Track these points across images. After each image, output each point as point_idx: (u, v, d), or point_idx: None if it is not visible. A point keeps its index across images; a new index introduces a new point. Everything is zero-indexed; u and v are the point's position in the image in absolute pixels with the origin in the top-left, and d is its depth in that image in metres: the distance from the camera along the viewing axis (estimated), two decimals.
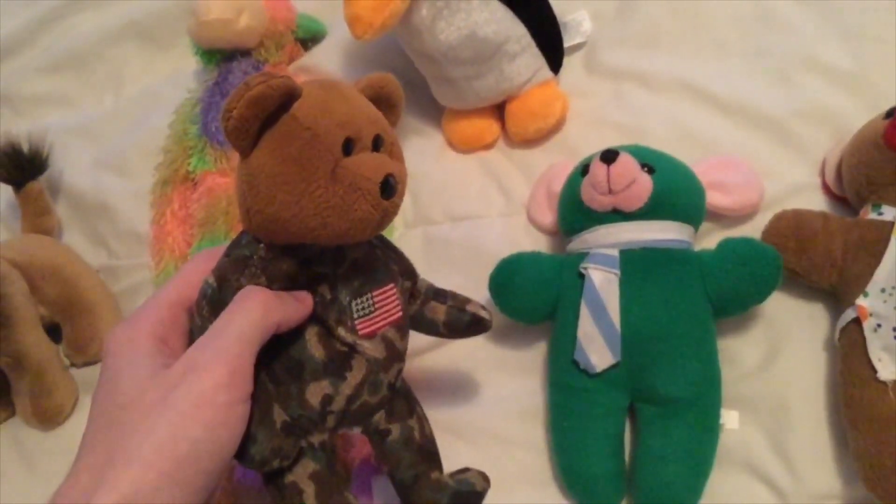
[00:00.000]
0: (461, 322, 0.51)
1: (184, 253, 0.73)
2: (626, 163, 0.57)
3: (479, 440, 0.62)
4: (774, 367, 0.59)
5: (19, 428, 0.73)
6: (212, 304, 0.40)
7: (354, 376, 0.43)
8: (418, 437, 0.48)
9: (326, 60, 0.80)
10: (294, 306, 0.40)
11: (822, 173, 0.63)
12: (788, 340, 0.59)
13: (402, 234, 0.73)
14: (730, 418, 0.57)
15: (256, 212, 0.38)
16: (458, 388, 0.65)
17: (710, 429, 0.55)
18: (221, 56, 0.77)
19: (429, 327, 0.51)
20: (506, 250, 0.63)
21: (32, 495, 0.69)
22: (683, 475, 0.54)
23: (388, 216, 0.40)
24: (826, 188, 0.63)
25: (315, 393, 0.42)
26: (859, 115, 0.61)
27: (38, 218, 0.80)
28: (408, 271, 0.49)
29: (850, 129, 0.60)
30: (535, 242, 0.69)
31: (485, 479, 0.50)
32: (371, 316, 0.43)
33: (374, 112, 0.42)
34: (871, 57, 0.66)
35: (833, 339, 0.56)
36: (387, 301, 0.44)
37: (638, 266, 0.56)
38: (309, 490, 0.41)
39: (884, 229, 0.54)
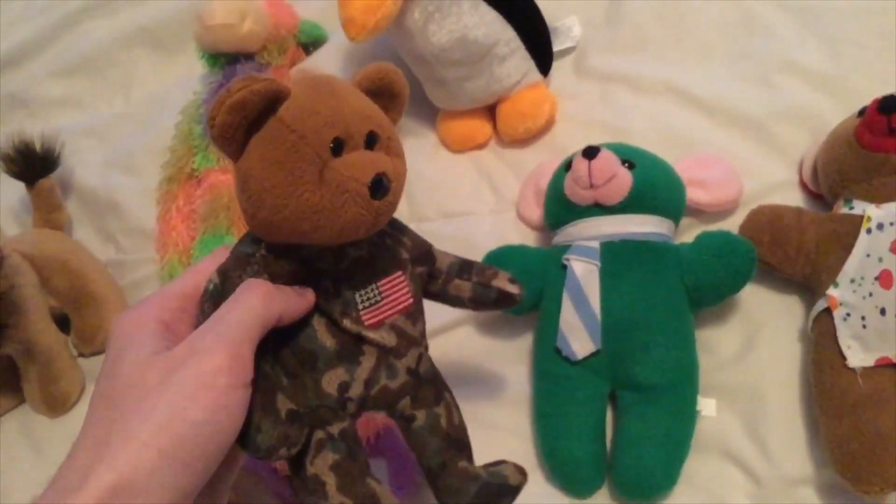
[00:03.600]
0: (487, 298, 0.49)
1: (187, 247, 0.75)
2: (606, 158, 0.59)
3: (467, 426, 0.63)
4: (751, 356, 0.60)
5: (28, 415, 0.76)
6: (213, 299, 0.40)
7: (368, 360, 0.42)
8: (445, 425, 0.47)
9: (326, 64, 0.83)
10: (295, 299, 0.40)
11: (800, 171, 0.65)
12: (764, 331, 0.61)
13: None
14: (707, 406, 0.59)
15: (250, 215, 0.39)
16: (448, 376, 0.65)
17: (687, 414, 0.57)
18: (226, 59, 0.79)
19: (455, 303, 0.50)
20: (495, 245, 0.65)
21: (40, 480, 0.69)
22: (661, 459, 0.55)
23: (381, 215, 0.39)
24: (803, 185, 0.65)
25: (331, 381, 0.41)
26: (836, 115, 0.62)
27: (49, 213, 0.83)
28: (422, 255, 0.47)
29: (827, 130, 0.61)
30: (524, 238, 0.70)
31: (521, 473, 0.48)
32: (378, 306, 0.42)
33: (367, 107, 0.41)
34: (848, 60, 0.69)
35: (806, 330, 0.57)
36: (394, 290, 0.43)
37: (618, 257, 0.58)
38: (330, 481, 0.41)
39: (854, 222, 0.55)
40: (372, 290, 0.42)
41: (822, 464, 0.55)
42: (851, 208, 0.56)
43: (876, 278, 0.53)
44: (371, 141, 0.40)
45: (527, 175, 0.72)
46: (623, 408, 0.58)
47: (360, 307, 0.42)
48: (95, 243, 0.86)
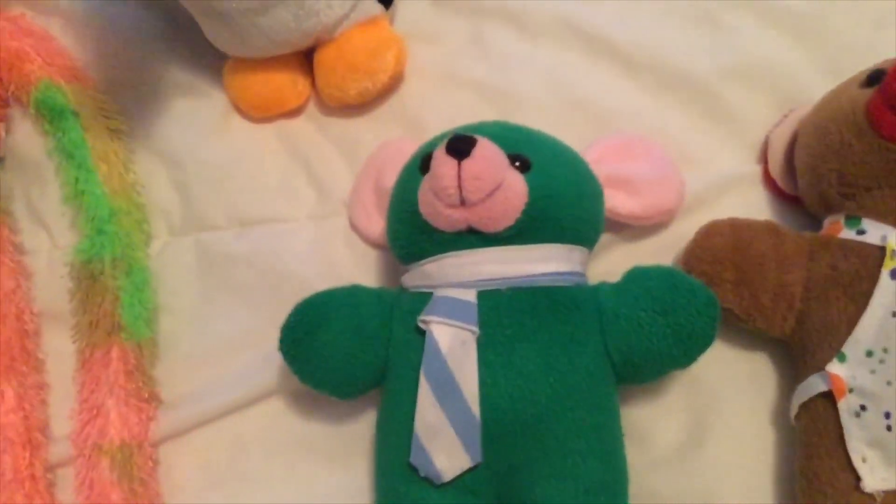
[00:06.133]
0: None
1: None
2: (486, 157, 0.43)
3: None
4: (701, 450, 0.49)
5: None
6: None
7: None
8: None
9: None
10: None
11: (765, 159, 0.53)
12: (720, 411, 0.50)
13: (166, 244, 0.59)
14: None
15: None
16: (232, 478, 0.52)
17: None
18: None
19: None
20: (316, 272, 0.54)
21: None
22: None
23: None
24: (770, 181, 0.53)
25: None
26: (815, 73, 0.53)
27: None
28: None
29: (800, 94, 0.52)
30: (359, 261, 0.57)
31: None
32: None
33: None
34: None
35: (788, 415, 0.46)
36: None
37: (505, 316, 0.45)
38: None
39: (867, 255, 0.42)
40: None
41: None
42: (861, 232, 0.43)
43: None
44: None
45: (364, 162, 0.58)
46: None
47: None
48: None
